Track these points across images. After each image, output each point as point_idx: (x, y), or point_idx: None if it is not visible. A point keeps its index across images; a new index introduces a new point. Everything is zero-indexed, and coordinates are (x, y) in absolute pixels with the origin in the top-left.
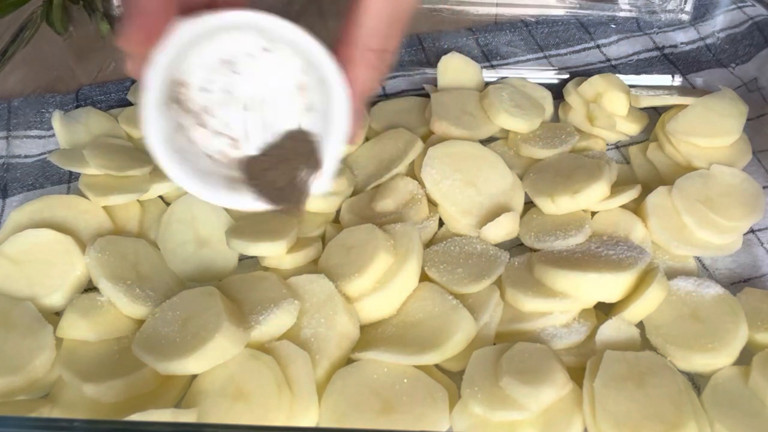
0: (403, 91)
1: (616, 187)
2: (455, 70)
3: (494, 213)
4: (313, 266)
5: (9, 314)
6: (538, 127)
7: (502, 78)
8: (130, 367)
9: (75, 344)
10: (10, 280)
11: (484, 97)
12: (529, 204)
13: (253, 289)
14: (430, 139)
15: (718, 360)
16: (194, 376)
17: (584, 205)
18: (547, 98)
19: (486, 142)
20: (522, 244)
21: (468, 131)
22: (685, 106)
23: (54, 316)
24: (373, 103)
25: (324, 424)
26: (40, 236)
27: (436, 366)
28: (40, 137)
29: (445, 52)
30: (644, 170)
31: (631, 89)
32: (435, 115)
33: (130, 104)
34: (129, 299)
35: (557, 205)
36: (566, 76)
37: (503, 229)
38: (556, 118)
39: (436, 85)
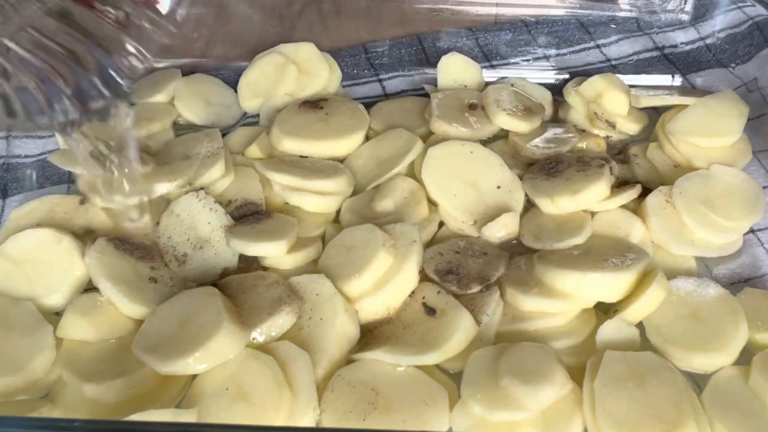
0: (402, 91)
1: (616, 187)
2: (455, 70)
3: (494, 213)
4: (313, 266)
5: (9, 314)
6: (538, 127)
7: (502, 78)
8: (130, 366)
9: (75, 344)
10: (10, 280)
11: (483, 97)
12: (529, 204)
13: (253, 289)
14: (430, 139)
15: (718, 360)
16: (194, 376)
17: (584, 205)
18: (546, 98)
19: (486, 142)
20: (522, 244)
21: (468, 131)
22: (685, 106)
23: (54, 316)
24: (372, 103)
25: (324, 424)
26: (40, 236)
27: (436, 366)
28: (40, 137)
29: (445, 52)
30: (644, 170)
31: (631, 89)
32: (435, 115)
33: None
34: (129, 299)
35: (557, 205)
36: (566, 76)
37: (503, 229)
38: (556, 118)
39: (436, 85)
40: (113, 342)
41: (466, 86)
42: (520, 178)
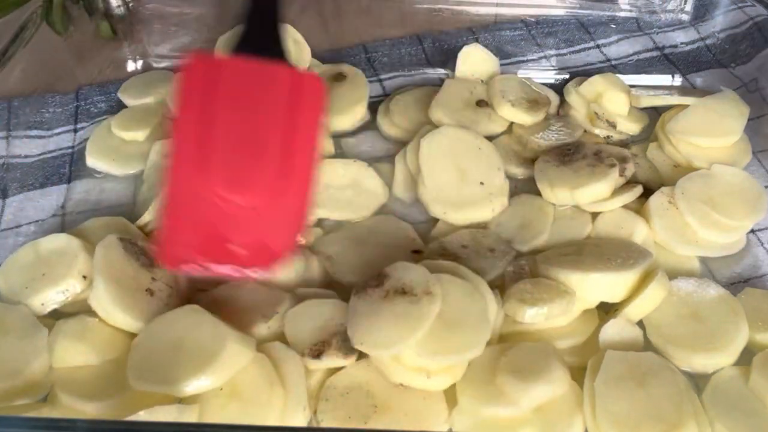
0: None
1: (617, 187)
2: (474, 62)
3: (466, 205)
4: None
5: (4, 319)
6: (541, 120)
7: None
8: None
9: (68, 369)
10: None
11: (490, 87)
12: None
13: (241, 294)
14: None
15: (719, 360)
16: None
17: (580, 201)
18: (554, 101)
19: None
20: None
21: (465, 125)
22: (685, 106)
23: (48, 319)
24: (373, 102)
25: (323, 424)
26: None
27: None
28: (40, 137)
29: (445, 52)
30: (644, 170)
31: (631, 89)
32: (436, 103)
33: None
34: (120, 308)
35: (555, 195)
36: (566, 76)
37: None
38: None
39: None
40: (108, 361)
41: (482, 81)
42: (519, 173)
